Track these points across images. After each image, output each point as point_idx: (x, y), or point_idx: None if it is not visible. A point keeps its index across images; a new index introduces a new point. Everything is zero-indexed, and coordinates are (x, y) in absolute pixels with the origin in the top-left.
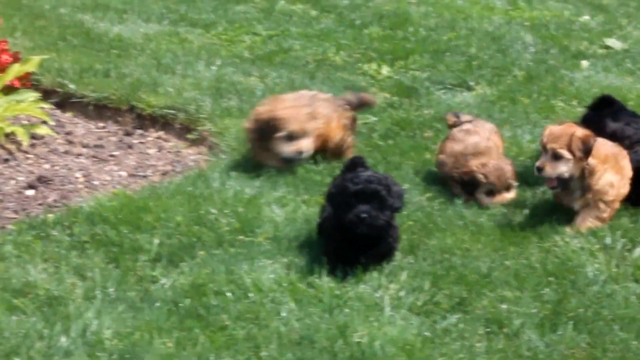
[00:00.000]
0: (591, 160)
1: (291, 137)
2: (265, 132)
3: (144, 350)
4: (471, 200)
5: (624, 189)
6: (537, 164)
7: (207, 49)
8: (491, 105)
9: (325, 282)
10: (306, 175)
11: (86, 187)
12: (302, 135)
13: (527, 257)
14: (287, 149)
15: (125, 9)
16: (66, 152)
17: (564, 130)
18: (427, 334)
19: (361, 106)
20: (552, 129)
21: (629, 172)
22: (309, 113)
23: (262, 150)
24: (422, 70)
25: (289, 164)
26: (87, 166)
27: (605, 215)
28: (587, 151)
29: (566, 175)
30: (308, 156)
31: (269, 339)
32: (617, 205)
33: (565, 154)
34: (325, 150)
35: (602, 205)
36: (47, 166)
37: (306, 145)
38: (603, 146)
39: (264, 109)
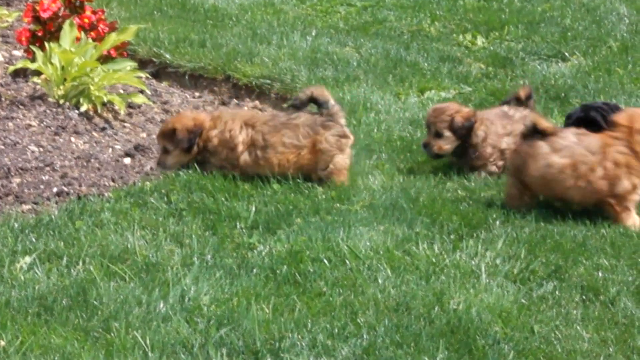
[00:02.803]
0: None
1: None
2: None
3: (241, 316)
4: None
5: None
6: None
7: (302, 19)
8: (586, 75)
9: (421, 249)
10: (402, 144)
11: None
12: None
13: (623, 225)
14: None
15: None
16: (163, 121)
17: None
18: (523, 301)
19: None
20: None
21: None
22: None
23: None
24: (517, 41)
25: None
26: None
27: None
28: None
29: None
30: None
31: (366, 306)
32: None
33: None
34: None
35: None
36: (144, 135)
37: None
38: None
39: None
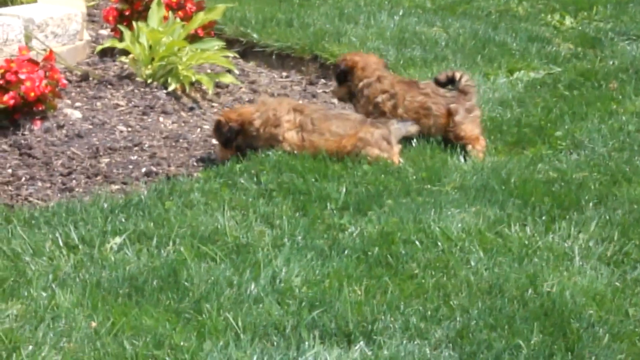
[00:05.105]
0: None
1: None
2: None
3: (333, 297)
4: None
5: None
6: None
7: None
8: None
9: (513, 231)
10: (492, 124)
11: None
12: None
13: None
14: None
15: None
16: (251, 101)
17: None
18: (617, 284)
19: None
20: None
21: None
22: None
23: None
24: (606, 21)
25: None
26: None
27: None
28: None
29: None
30: None
31: (459, 288)
32: None
33: None
34: None
35: None
36: None
37: None
38: None
39: None
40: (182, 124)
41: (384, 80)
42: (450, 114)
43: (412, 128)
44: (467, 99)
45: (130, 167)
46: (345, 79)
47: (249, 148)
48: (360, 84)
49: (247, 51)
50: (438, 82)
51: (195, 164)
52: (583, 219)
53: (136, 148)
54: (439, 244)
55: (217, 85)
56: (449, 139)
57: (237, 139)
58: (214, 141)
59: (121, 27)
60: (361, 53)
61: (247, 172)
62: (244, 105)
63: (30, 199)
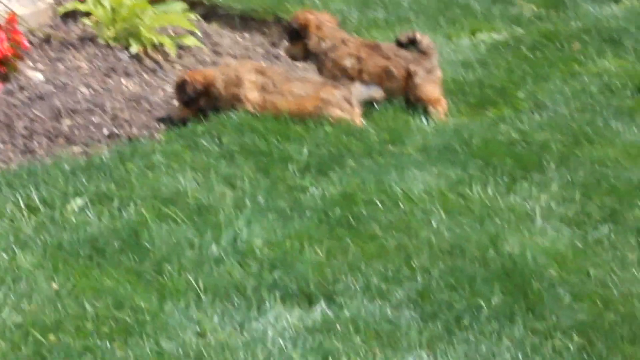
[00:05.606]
0: None
1: None
2: None
3: (294, 258)
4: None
5: None
6: None
7: None
8: None
9: (475, 192)
10: (455, 86)
11: None
12: None
13: None
14: None
15: None
16: (213, 63)
17: None
18: (578, 244)
19: None
20: None
21: None
22: None
23: None
24: None
25: None
26: None
27: None
28: None
29: None
30: None
31: (420, 249)
32: None
33: None
34: None
35: None
36: None
37: None
38: None
39: None
40: (145, 86)
41: (350, 44)
42: (409, 75)
43: (377, 93)
44: (427, 59)
45: (92, 129)
46: (298, 37)
47: (212, 109)
48: (323, 46)
49: (210, 13)
50: (399, 44)
51: (157, 125)
52: (545, 180)
53: (98, 110)
54: (401, 204)
55: (180, 47)
56: (410, 100)
57: (199, 101)
58: (176, 102)
59: None
60: (313, 11)
61: (208, 134)
62: (208, 68)
63: None
